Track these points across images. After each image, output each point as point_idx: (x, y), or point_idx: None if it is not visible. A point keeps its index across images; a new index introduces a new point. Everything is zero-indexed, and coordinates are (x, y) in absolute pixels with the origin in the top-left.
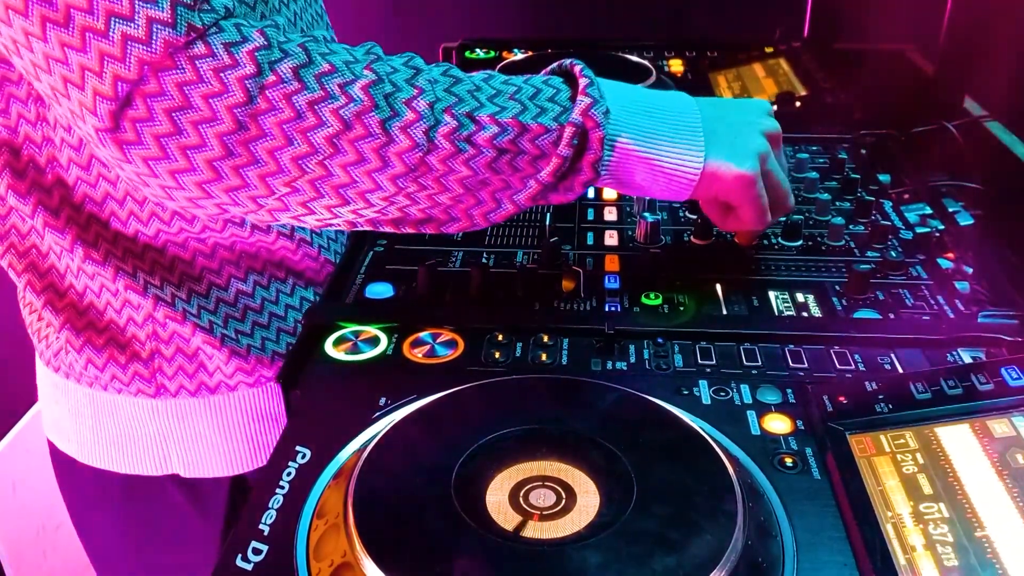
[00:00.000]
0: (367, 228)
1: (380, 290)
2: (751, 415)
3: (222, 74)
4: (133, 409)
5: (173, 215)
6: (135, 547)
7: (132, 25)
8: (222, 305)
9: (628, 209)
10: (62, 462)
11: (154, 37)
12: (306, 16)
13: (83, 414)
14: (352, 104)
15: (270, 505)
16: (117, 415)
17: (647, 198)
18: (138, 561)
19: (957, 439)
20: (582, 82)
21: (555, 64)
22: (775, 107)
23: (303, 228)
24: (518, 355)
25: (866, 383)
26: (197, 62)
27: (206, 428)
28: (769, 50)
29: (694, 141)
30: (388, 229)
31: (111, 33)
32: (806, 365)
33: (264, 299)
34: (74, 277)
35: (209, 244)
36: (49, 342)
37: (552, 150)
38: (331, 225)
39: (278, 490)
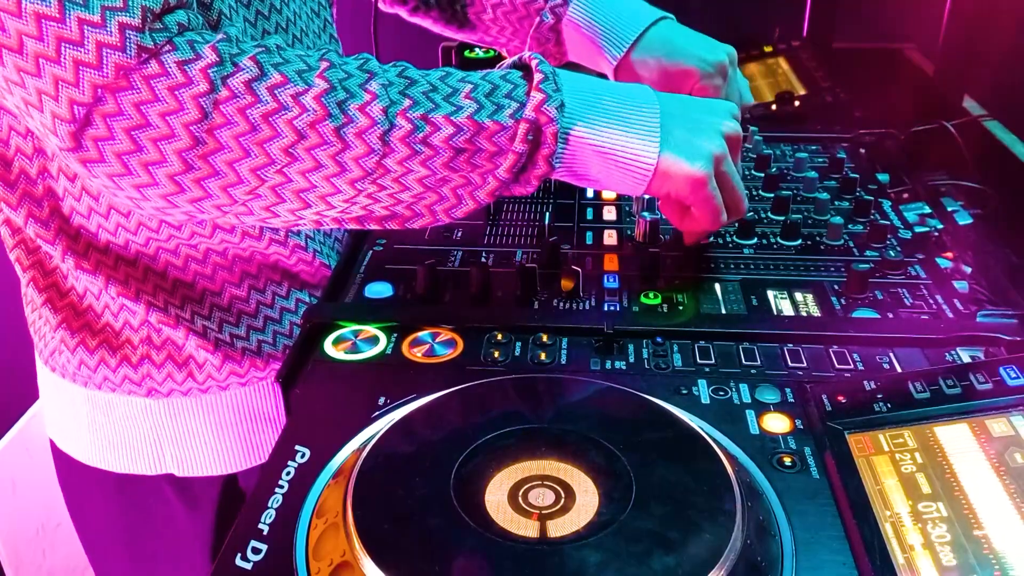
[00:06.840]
0: (334, 227)
1: (379, 289)
2: (750, 414)
3: (177, 92)
4: (127, 408)
5: (161, 223)
6: (130, 544)
7: (82, 50)
8: (216, 310)
9: (627, 208)
10: (62, 460)
11: (104, 61)
12: (299, 22)
13: (80, 413)
14: (305, 114)
15: (269, 504)
16: (111, 414)
17: (646, 197)
18: (132, 558)
19: (956, 438)
20: (537, 77)
21: (515, 57)
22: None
23: (296, 233)
24: (517, 354)
25: (865, 382)
26: (152, 81)
27: (199, 426)
28: (768, 50)
29: (650, 134)
30: (353, 227)
31: (63, 59)
32: (805, 364)
33: (259, 302)
34: (75, 280)
35: (201, 250)
36: (47, 341)
37: (508, 146)
38: (297, 226)
39: (277, 489)
